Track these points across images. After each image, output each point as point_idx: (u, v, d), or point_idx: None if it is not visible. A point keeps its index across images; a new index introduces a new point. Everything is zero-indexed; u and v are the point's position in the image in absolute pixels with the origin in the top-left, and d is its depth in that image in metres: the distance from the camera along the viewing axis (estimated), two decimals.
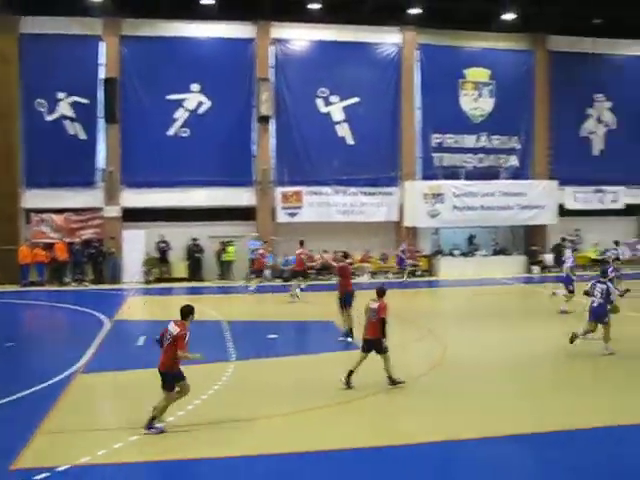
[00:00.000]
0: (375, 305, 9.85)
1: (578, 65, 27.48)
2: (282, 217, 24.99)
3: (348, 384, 9.71)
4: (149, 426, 7.83)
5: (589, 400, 9.36)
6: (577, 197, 28.28)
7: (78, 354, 12.12)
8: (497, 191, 26.59)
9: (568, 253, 20.02)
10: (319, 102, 25.63)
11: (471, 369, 11.22)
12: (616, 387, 10.14)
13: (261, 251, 22.43)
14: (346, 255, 15.20)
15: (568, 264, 17.49)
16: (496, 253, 27.56)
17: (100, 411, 9.62)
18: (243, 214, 25.01)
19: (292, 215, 25.00)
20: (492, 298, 21.07)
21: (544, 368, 11.58)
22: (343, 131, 25.76)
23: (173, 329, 8.02)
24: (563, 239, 26.82)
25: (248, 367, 11.41)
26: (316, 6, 24.49)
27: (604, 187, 28.32)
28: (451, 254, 26.90)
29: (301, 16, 24.91)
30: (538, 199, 26.91)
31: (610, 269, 13.19)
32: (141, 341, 13.55)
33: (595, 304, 12.09)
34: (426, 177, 26.48)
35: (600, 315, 12.03)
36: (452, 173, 26.68)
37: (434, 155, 26.75)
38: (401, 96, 26.29)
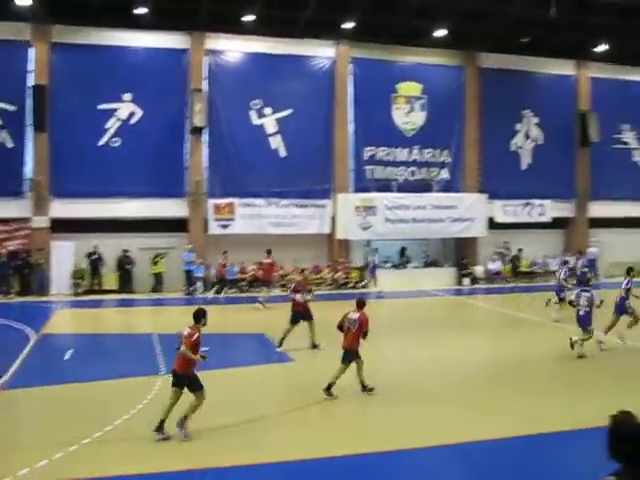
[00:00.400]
0: (355, 316, 10.47)
1: (507, 82, 29.10)
2: (214, 229, 25.46)
3: (330, 394, 10.34)
4: (180, 424, 8.51)
5: (542, 403, 10.18)
6: (506, 210, 29.81)
7: (1, 370, 12.14)
8: (429, 204, 27.81)
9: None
10: (252, 114, 26.29)
11: (408, 379, 11.88)
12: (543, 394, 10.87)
13: (221, 261, 23.96)
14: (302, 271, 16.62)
15: (561, 275, 18.40)
16: (427, 265, 28.81)
17: (23, 428, 9.68)
18: (175, 225, 25.37)
19: (224, 227, 25.54)
20: (422, 310, 22.19)
21: (476, 378, 12.19)
22: (276, 143, 26.47)
23: (186, 333, 8.75)
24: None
25: None
26: (251, 18, 25.19)
27: (532, 200, 29.95)
28: (382, 266, 27.96)
29: (236, 28, 25.57)
30: (468, 212, 28.30)
31: (626, 281, 14.37)
32: (68, 355, 13.78)
33: (581, 312, 13.16)
34: (358, 190, 27.43)
35: (585, 322, 13.09)
36: (384, 186, 27.73)
37: (367, 168, 27.72)
38: (334, 109, 27.18)
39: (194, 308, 9.22)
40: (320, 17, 25.64)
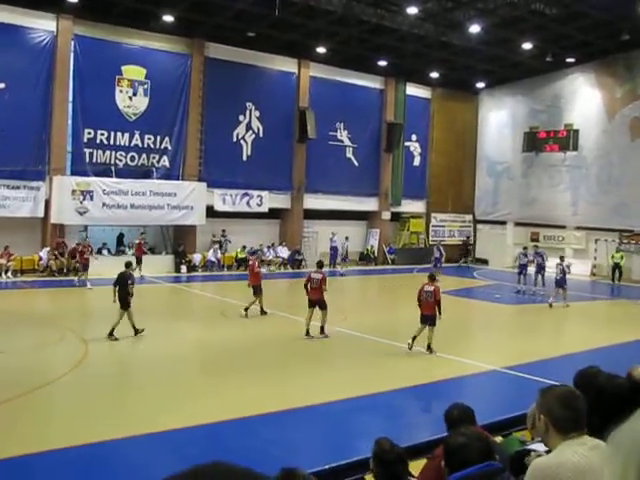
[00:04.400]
0: (430, 288, 16.65)
1: (232, 73, 35.53)
2: None
3: (431, 350, 16.78)
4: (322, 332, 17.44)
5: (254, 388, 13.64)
6: (225, 199, 36.29)
7: None
8: (148, 190, 32.86)
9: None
10: None
11: (114, 366, 14.97)
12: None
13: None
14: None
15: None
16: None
17: None
18: None
19: None
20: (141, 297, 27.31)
21: (186, 363, 15.70)
22: None
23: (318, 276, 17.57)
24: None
25: None
26: None
27: (251, 191, 36.89)
28: (100, 252, 32.68)
29: None
30: (188, 200, 34.08)
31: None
32: None
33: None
34: (76, 173, 31.44)
35: None
36: (104, 170, 32.22)
37: (86, 151, 31.94)
38: (53, 87, 30.83)
39: None
40: None
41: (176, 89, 34.28)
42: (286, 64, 38.22)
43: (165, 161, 34.28)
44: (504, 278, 36.67)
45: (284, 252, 38.13)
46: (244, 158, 37.11)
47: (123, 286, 17.50)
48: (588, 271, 40.33)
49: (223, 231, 36.48)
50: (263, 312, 21.90)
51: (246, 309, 21.52)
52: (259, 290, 21.78)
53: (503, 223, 46.05)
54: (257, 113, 37.27)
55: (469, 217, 47.74)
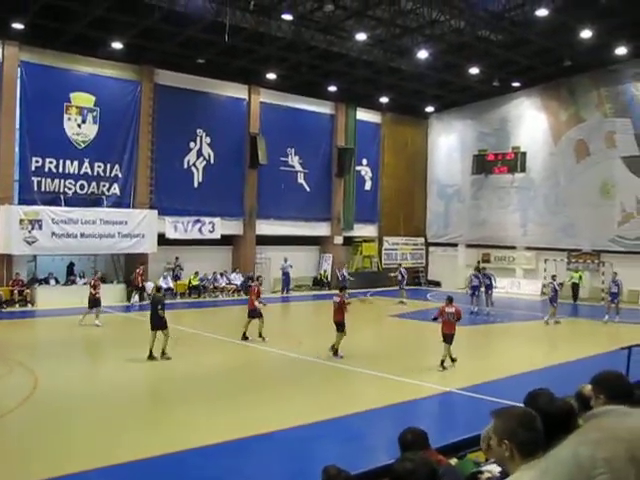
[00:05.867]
0: (451, 309, 18.56)
1: (182, 100, 35.62)
2: None
3: (454, 359, 18.64)
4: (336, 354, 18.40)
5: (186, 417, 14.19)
6: (177, 227, 36.16)
7: None
8: (98, 219, 32.65)
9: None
10: None
11: (63, 401, 14.17)
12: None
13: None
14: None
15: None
16: None
17: None
18: None
19: None
20: (92, 328, 26.04)
21: (138, 394, 15.69)
22: None
23: (337, 298, 19.09)
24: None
25: None
26: None
27: (203, 218, 36.83)
28: (46, 281, 32.17)
29: None
30: (139, 228, 33.90)
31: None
32: None
33: None
34: (24, 202, 31.10)
35: None
36: (52, 199, 31.91)
37: (34, 179, 31.62)
38: (0, 115, 30.63)
39: None
40: None
41: (126, 116, 34.21)
42: (236, 90, 38.45)
43: (115, 189, 34.08)
44: (457, 299, 36.89)
45: (237, 279, 38.04)
46: (195, 185, 37.07)
47: (154, 310, 19.25)
48: (538, 291, 41.08)
49: (177, 259, 36.32)
50: (260, 336, 22.33)
51: (260, 334, 22.27)
52: (257, 314, 22.27)
53: (455, 245, 46.74)
54: (208, 139, 37.33)
55: (421, 240, 48.32)
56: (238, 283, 37.86)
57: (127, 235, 33.48)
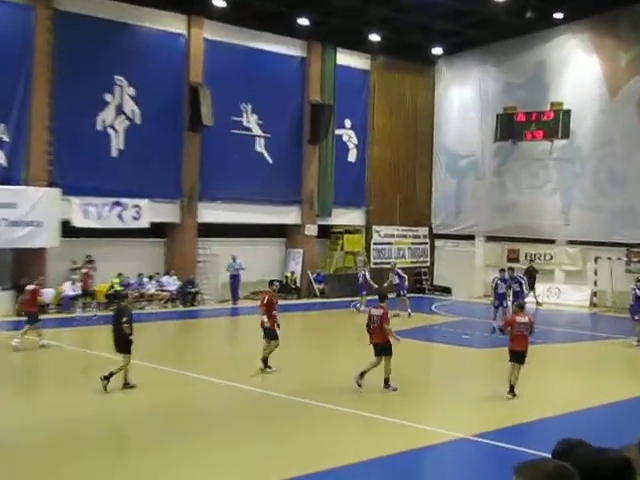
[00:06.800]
0: (524, 319, 19.56)
1: (96, 34, 34.83)
2: None
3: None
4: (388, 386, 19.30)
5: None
6: (89, 212, 35.49)
7: None
8: None
9: None
10: None
11: None
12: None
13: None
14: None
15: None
16: None
17: None
18: None
19: None
20: None
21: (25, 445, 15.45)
22: None
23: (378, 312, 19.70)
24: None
25: None
26: None
27: (124, 200, 36.23)
28: None
29: None
30: (34, 213, 33.15)
31: None
32: None
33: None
34: None
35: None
36: None
37: None
38: None
39: None
40: None
41: (12, 57, 33.19)
42: (171, 22, 38.02)
43: (2, 158, 33.61)
44: (473, 312, 37.14)
45: (172, 284, 37.70)
46: (114, 154, 36.54)
47: (117, 324, 19.71)
48: (587, 300, 41.14)
49: (88, 256, 35.77)
50: (265, 366, 22.19)
51: (264, 361, 22.19)
52: (273, 335, 22.19)
53: (470, 238, 46.72)
54: (131, 91, 36.79)
55: (424, 231, 48.28)
56: (173, 289, 37.46)
57: (17, 223, 32.84)
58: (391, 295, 36.30)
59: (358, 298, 37.14)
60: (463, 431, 16.52)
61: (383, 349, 19.87)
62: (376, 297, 33.59)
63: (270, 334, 22.22)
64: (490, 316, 31.68)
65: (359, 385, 19.72)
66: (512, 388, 19.09)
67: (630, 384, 22.10)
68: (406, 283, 37.18)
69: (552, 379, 23.79)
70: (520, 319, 19.39)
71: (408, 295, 37.24)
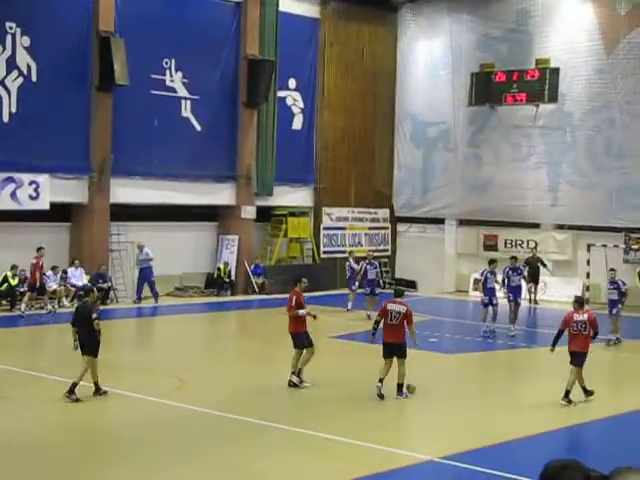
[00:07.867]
0: (583, 317, 20.59)
1: None
2: None
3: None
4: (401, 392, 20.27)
5: None
6: None
7: None
8: None
9: None
10: None
11: None
12: None
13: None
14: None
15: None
16: None
17: None
18: None
19: None
20: None
21: None
22: None
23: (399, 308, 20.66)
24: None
25: None
26: None
27: (18, 175, 35.84)
28: None
29: None
30: None
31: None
32: None
33: None
34: None
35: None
36: None
37: None
38: None
39: None
40: None
41: None
42: None
43: None
44: (443, 310, 37.33)
45: (79, 277, 37.33)
46: (5, 118, 36.10)
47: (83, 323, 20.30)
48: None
49: None
50: (299, 381, 21.97)
51: (297, 373, 21.97)
52: (305, 341, 22.07)
53: (439, 222, 46.86)
54: (26, 41, 36.22)
55: (384, 213, 48.36)
56: (80, 284, 37.09)
57: None
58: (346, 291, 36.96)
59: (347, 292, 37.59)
60: (430, 453, 16.56)
61: (398, 350, 20.71)
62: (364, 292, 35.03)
63: (304, 340, 22.08)
64: (473, 317, 31.84)
65: (381, 396, 20.52)
66: (567, 393, 20.19)
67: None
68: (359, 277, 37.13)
69: (533, 390, 23.98)
70: (578, 317, 20.54)
71: (359, 291, 37.26)
